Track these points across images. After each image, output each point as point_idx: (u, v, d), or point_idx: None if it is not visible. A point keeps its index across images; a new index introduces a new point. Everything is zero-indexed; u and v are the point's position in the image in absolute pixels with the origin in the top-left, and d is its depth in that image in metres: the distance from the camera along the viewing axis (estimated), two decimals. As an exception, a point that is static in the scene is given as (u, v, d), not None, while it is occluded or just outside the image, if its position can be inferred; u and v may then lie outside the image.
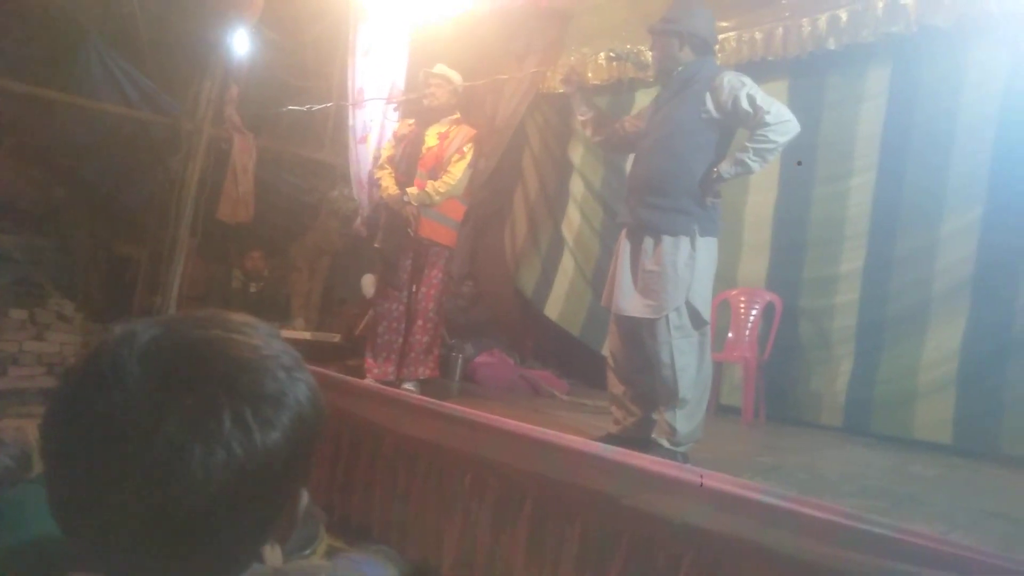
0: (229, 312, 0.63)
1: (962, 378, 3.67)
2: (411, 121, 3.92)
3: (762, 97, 2.76)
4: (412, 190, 3.76)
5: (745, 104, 2.75)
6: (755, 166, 2.75)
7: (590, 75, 5.38)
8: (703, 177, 2.80)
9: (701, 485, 2.00)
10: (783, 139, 2.72)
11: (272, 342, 0.60)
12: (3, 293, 5.40)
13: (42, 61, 5.39)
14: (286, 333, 5.09)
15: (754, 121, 2.73)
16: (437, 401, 3.21)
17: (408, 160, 3.85)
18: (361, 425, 3.40)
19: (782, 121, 2.71)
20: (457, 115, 3.95)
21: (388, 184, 3.88)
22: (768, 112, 2.71)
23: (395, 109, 4.07)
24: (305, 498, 0.64)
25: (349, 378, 3.59)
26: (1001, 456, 3.43)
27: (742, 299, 4.50)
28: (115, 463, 0.51)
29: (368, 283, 5.12)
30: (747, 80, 2.81)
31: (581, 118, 3.34)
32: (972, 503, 2.59)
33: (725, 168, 2.76)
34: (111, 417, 0.52)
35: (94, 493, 0.52)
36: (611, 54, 4.51)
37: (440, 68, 3.94)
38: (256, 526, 0.58)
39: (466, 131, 3.90)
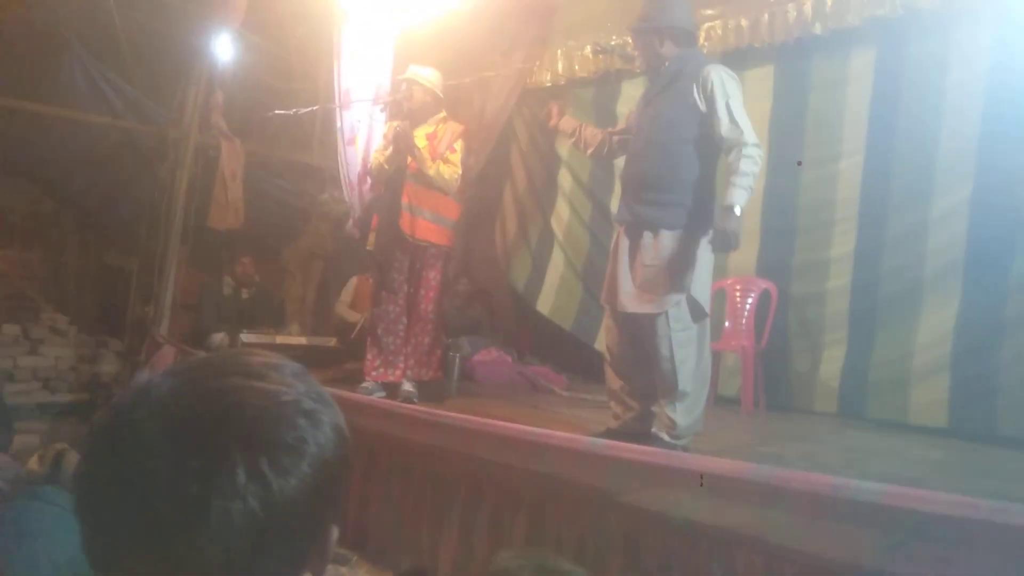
0: (251, 353, 0.63)
1: (956, 360, 3.66)
2: (397, 124, 3.89)
3: (739, 112, 2.75)
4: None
5: (722, 111, 2.73)
6: (748, 195, 2.73)
7: (576, 68, 5.38)
8: (720, 214, 2.75)
9: (701, 484, 1.99)
10: (757, 168, 2.75)
11: (295, 383, 0.61)
12: (-5, 309, 5.38)
13: (25, 74, 5.34)
14: (281, 340, 5.08)
15: (732, 139, 2.72)
16: (429, 410, 3.19)
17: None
18: (356, 438, 3.39)
19: (756, 145, 2.73)
20: (443, 114, 3.92)
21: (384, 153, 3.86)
22: (743, 131, 2.71)
23: (381, 110, 4.03)
24: (335, 533, 0.65)
25: (341, 391, 3.57)
26: (998, 437, 3.42)
27: (738, 288, 4.50)
28: (139, 519, 0.54)
29: (344, 305, 5.17)
30: (732, 88, 2.78)
31: (571, 139, 3.38)
32: (974, 485, 2.59)
33: (737, 198, 2.69)
34: (132, 476, 0.55)
35: (122, 546, 0.55)
36: (597, 47, 4.49)
37: (413, 71, 3.90)
38: (284, 566, 0.59)
39: (454, 127, 3.87)
